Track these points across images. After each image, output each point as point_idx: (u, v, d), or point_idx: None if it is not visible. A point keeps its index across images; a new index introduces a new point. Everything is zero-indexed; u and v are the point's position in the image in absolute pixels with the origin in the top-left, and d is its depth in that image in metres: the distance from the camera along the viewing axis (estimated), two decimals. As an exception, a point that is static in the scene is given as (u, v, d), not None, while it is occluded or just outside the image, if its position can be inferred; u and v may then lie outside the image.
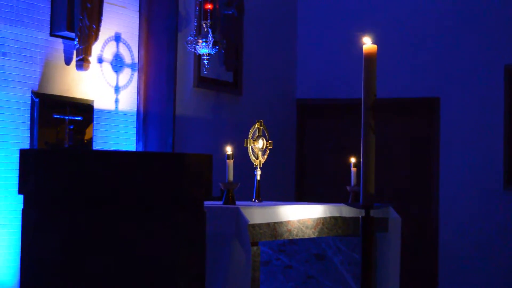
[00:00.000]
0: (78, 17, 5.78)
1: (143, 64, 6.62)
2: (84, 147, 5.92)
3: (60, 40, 5.85)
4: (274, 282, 5.56)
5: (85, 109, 5.98)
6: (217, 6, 6.78)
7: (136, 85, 6.58)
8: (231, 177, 4.64)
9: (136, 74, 6.57)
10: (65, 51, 5.88)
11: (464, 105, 8.11)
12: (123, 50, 6.44)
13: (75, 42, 5.82)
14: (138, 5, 6.62)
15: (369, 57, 3.37)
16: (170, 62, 6.64)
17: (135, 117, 6.56)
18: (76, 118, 5.88)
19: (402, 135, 8.38)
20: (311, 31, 8.61)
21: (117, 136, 6.37)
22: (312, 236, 4.86)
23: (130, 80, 6.50)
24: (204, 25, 6.57)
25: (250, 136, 5.02)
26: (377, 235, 5.41)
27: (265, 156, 5.11)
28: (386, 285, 5.40)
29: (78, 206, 3.11)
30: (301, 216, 4.76)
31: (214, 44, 6.56)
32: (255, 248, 4.33)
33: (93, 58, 6.00)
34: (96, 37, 5.90)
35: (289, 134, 8.49)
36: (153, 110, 6.61)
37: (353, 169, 5.54)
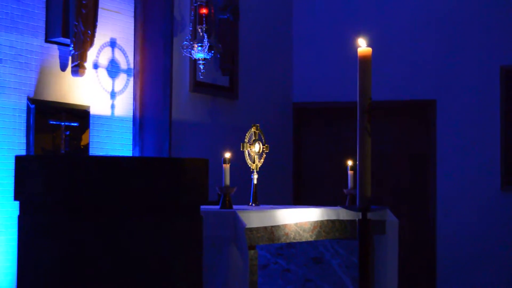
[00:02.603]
0: (73, 23, 5.77)
1: (139, 69, 6.61)
2: (80, 153, 5.92)
3: (55, 46, 5.85)
4: (272, 286, 5.56)
5: (81, 115, 5.98)
6: (212, 11, 6.78)
7: (132, 90, 6.57)
8: (227, 181, 4.64)
9: (132, 79, 6.57)
10: (60, 57, 5.88)
11: (460, 106, 8.12)
12: (119, 56, 6.43)
13: (70, 48, 5.81)
14: (133, 10, 6.62)
15: (364, 60, 3.37)
16: (165, 67, 6.64)
17: (131, 123, 6.56)
18: (72, 124, 5.88)
19: (398, 137, 8.39)
20: (306, 34, 8.62)
21: (114, 142, 6.36)
22: (310, 239, 4.85)
23: (126, 86, 6.50)
24: (199, 30, 6.57)
25: (246, 140, 5.02)
26: (375, 237, 5.41)
27: (262, 160, 5.10)
28: (384, 288, 5.39)
29: (74, 212, 3.11)
30: (298, 219, 4.76)
31: (210, 49, 6.55)
32: (252, 252, 4.32)
33: (88, 64, 5.99)
34: (91, 43, 5.89)
35: (285, 138, 8.49)
36: (149, 115, 6.60)
37: (350, 172, 5.54)
